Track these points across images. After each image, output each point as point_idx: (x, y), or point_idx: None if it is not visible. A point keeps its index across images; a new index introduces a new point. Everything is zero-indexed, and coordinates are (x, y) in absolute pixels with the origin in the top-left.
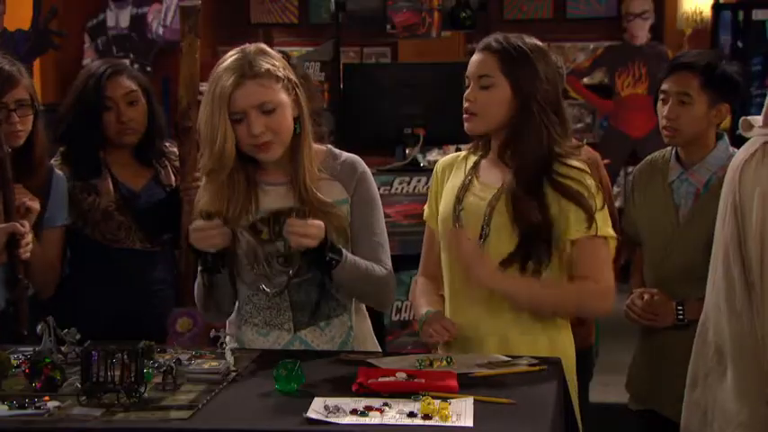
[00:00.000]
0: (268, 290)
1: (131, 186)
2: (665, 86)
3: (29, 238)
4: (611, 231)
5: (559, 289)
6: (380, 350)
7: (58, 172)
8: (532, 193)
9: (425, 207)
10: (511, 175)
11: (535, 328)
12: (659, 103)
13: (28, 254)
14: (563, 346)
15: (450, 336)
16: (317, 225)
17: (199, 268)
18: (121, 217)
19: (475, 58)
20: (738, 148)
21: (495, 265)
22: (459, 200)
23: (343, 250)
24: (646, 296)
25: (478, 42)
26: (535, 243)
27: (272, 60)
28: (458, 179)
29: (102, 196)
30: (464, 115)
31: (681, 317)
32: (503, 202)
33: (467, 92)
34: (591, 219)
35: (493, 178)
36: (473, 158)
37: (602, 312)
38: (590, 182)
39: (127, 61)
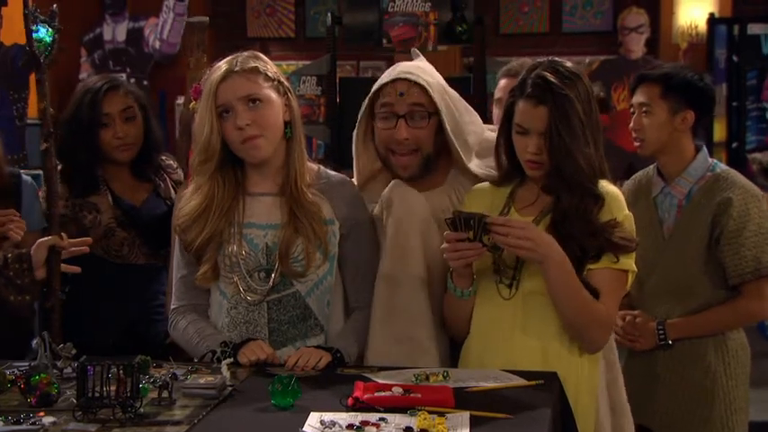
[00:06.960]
0: (249, 298)
1: (132, 202)
2: (632, 101)
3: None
4: (630, 264)
5: (586, 293)
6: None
7: (26, 177)
8: (579, 213)
9: None
10: (551, 199)
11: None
12: (630, 118)
13: (69, 267)
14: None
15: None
16: (319, 354)
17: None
18: (124, 233)
19: None
20: (735, 162)
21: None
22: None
23: (342, 349)
24: (627, 317)
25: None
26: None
27: (262, 62)
28: (494, 210)
29: (103, 213)
30: None
31: (662, 337)
32: (543, 226)
33: None
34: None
35: (530, 205)
36: (506, 188)
37: (598, 341)
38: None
39: (123, 75)
